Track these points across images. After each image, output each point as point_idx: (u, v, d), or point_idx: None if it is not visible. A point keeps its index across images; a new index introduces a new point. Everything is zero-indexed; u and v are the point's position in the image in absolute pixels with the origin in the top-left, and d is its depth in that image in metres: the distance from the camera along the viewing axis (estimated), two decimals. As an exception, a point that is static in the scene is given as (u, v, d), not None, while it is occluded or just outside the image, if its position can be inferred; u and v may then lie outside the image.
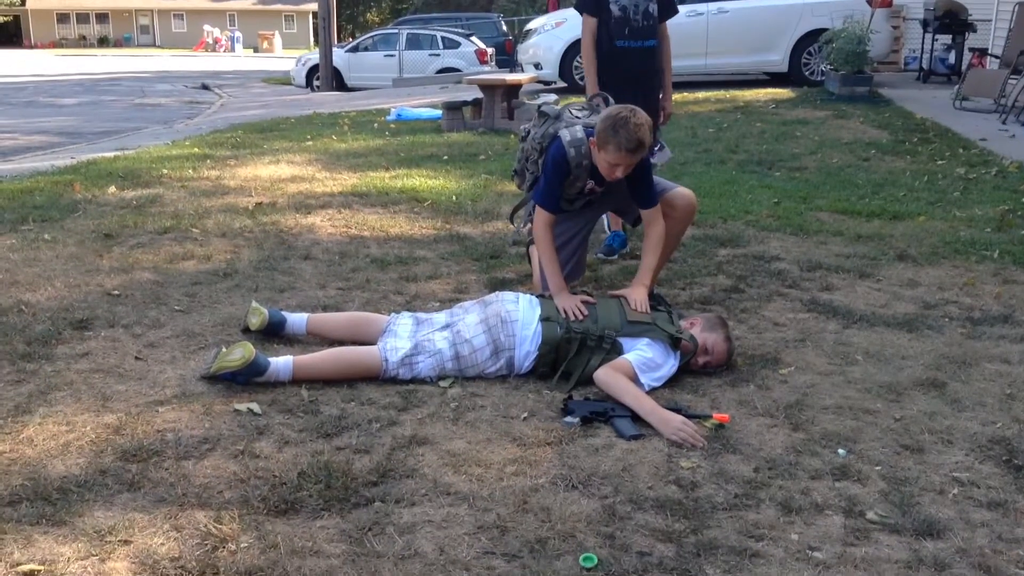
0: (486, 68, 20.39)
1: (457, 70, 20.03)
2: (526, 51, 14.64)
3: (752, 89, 13.00)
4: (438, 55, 21.20)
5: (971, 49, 13.48)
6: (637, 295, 3.53)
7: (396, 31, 22.47)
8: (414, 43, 21.32)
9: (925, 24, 14.72)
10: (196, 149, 8.89)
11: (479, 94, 10.66)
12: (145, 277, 4.38)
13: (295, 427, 2.89)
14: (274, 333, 3.61)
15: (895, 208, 6.05)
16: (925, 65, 15.02)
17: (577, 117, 3.85)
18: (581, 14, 4.96)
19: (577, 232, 4.12)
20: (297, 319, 3.63)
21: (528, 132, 4.00)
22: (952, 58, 14.81)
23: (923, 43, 15.12)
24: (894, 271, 4.71)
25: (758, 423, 2.99)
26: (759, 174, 7.36)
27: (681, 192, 4.00)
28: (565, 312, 3.38)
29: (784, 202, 6.25)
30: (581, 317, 3.36)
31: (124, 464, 2.63)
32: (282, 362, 3.19)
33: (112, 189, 6.50)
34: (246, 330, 3.65)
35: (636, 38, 4.87)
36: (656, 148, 4.98)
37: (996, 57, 12.38)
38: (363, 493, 2.51)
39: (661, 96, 5.08)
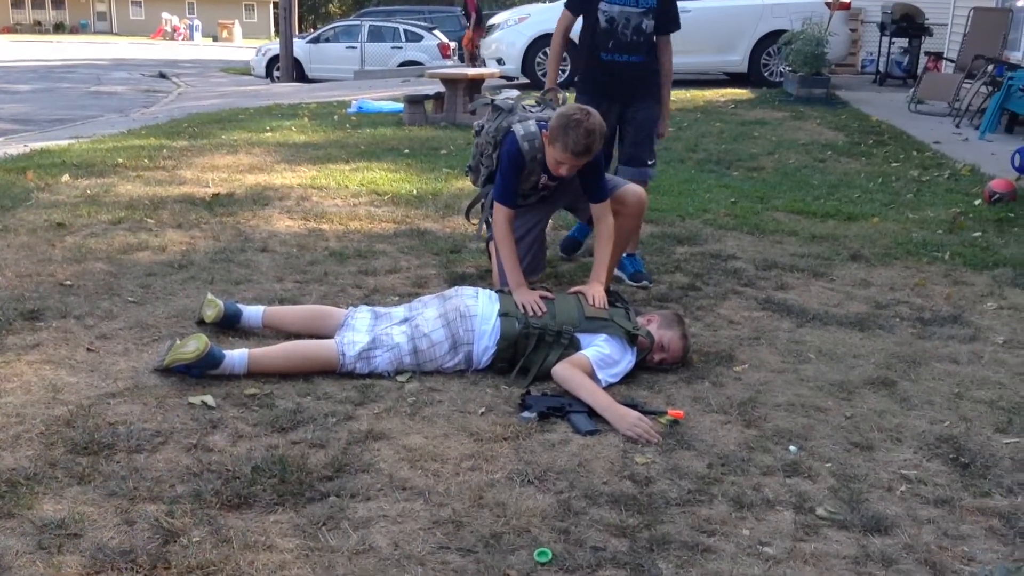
0: (448, 62, 20.34)
1: (419, 63, 19.96)
2: (489, 46, 14.63)
3: (712, 89, 13.12)
4: (400, 48, 21.11)
5: (927, 53, 13.71)
6: (595, 291, 3.55)
7: (358, 23, 22.34)
8: (376, 35, 21.20)
9: (882, 27, 14.96)
10: (152, 139, 8.77)
11: (441, 88, 10.63)
12: (98, 267, 4.32)
13: (249, 421, 2.87)
14: (229, 326, 3.57)
15: (849, 209, 6.15)
16: (882, 68, 15.25)
17: (530, 112, 3.87)
18: (564, 8, 4.63)
19: (533, 227, 4.13)
20: (253, 312, 3.60)
21: (482, 127, 4.00)
22: (908, 61, 15.06)
23: (880, 46, 15.36)
24: (847, 271, 4.78)
25: (712, 419, 3.03)
26: (717, 173, 7.43)
27: (631, 188, 4.04)
28: (524, 307, 3.39)
29: (741, 201, 6.31)
30: (539, 313, 3.38)
31: (75, 457, 2.59)
32: (237, 355, 3.16)
33: (66, 178, 6.39)
34: (201, 322, 3.61)
35: (620, 52, 4.46)
36: (650, 163, 4.65)
37: (951, 61, 12.62)
38: (318, 488, 2.50)
39: (659, 118, 4.67)
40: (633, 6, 4.43)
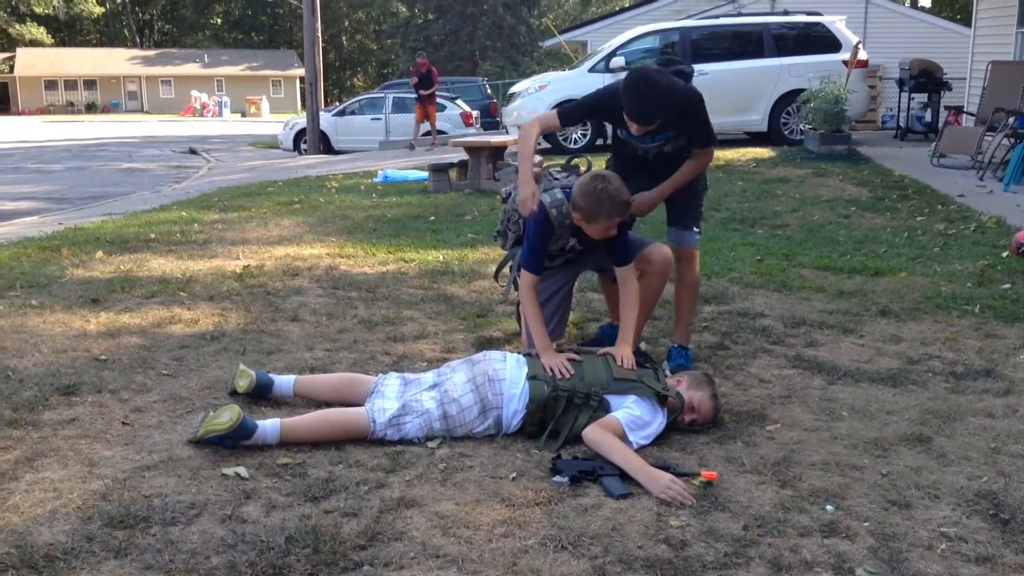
0: (471, 130, 20.64)
1: (443, 132, 20.26)
2: (511, 113, 14.87)
3: (733, 149, 13.20)
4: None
5: (947, 107, 13.78)
6: (623, 352, 3.55)
7: (382, 95, 22.81)
8: (400, 106, 21.58)
9: (901, 83, 15.06)
10: (184, 213, 8.94)
11: (465, 156, 10.79)
12: (132, 341, 4.38)
13: (283, 491, 2.88)
14: (261, 396, 3.60)
15: (876, 264, 6.13)
16: (902, 123, 15.32)
17: (556, 179, 3.92)
18: (555, 112, 4.12)
19: (559, 289, 4.16)
20: (284, 381, 3.63)
21: (509, 193, 4.06)
22: (928, 116, 15.13)
23: (899, 102, 15.45)
24: (877, 327, 4.75)
25: (746, 480, 3.00)
26: (742, 232, 7.44)
27: (657, 248, 4.05)
28: (551, 370, 3.40)
29: (767, 259, 6.31)
30: (567, 375, 3.38)
31: (111, 530, 2.61)
32: (270, 425, 3.19)
33: (99, 254, 6.51)
34: (233, 393, 3.64)
35: (648, 158, 4.10)
36: (694, 229, 4.25)
37: (971, 115, 12.65)
38: (351, 557, 2.49)
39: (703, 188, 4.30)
40: (648, 143, 4.04)
